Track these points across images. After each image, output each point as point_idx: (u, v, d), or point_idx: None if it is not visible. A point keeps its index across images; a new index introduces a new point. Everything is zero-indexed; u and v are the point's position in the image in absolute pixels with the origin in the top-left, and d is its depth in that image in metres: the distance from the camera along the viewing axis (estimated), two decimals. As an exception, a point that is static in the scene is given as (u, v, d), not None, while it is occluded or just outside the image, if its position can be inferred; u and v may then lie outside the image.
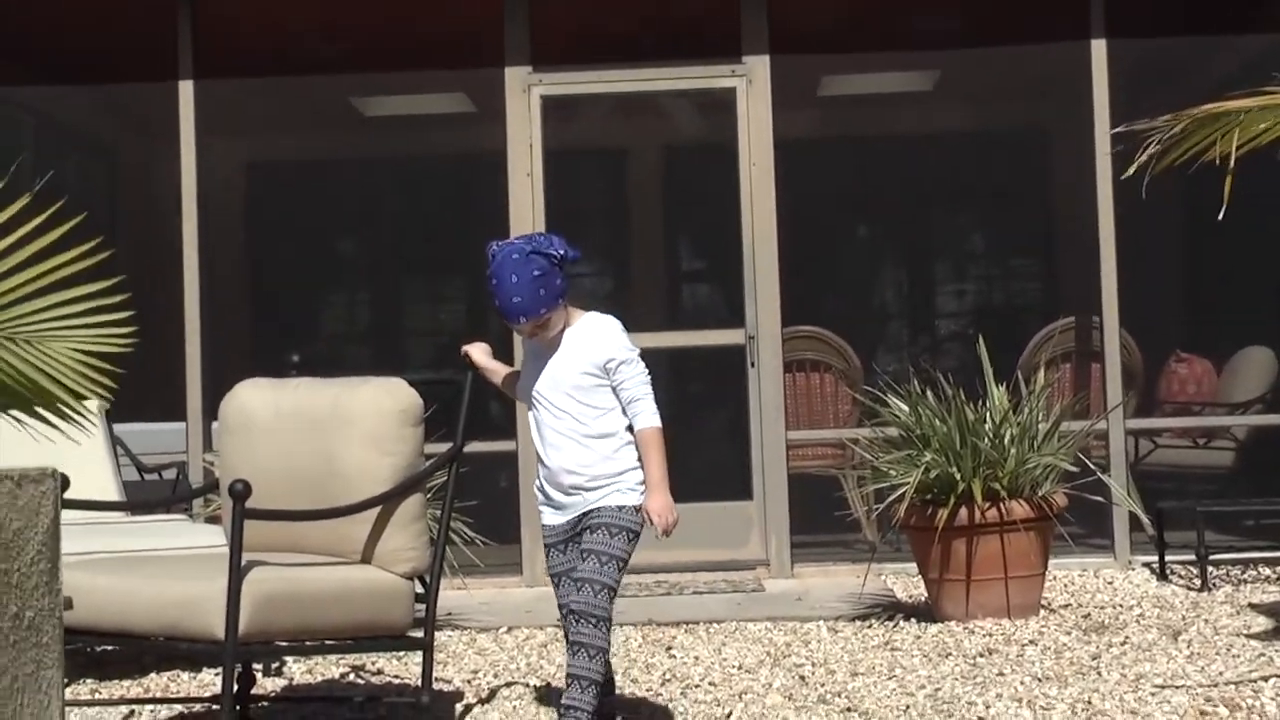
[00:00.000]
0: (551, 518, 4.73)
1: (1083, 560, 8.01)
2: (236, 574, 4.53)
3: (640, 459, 4.63)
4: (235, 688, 4.80)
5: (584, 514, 4.63)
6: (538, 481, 4.76)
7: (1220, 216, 4.65)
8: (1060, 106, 9.09)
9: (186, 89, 8.09)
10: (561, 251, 4.65)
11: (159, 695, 5.57)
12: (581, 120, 9.24)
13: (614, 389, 4.65)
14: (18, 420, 2.98)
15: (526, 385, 4.74)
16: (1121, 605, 7.02)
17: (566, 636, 4.68)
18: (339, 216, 10.54)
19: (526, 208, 8.18)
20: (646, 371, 4.70)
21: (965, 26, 9.02)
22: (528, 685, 5.71)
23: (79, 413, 3.03)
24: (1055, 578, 7.70)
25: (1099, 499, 7.16)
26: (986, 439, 6.58)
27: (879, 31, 9.08)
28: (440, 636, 6.28)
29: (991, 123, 10.81)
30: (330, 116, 10.23)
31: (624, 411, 4.64)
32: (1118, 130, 5.67)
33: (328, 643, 4.90)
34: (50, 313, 3.05)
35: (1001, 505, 6.54)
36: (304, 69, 8.90)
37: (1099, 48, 8.24)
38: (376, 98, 10.04)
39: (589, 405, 4.64)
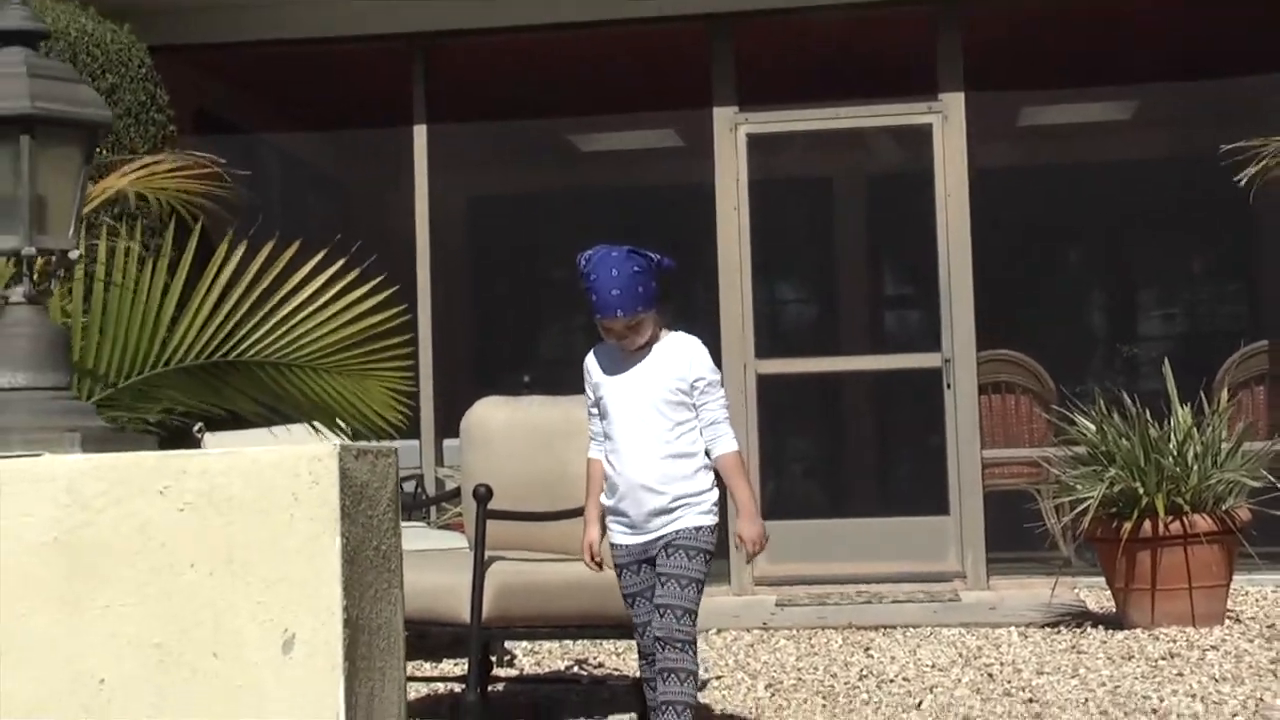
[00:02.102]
0: (625, 538, 4.69)
1: (1278, 577, 8.38)
2: (480, 566, 5.29)
3: (718, 482, 4.62)
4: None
5: (659, 536, 4.62)
6: (609, 500, 4.71)
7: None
8: (1258, 132, 9.49)
9: (420, 132, 8.98)
10: (657, 257, 4.67)
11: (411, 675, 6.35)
12: (784, 153, 9.90)
13: (696, 408, 4.63)
14: (337, 431, 3.80)
15: (609, 398, 4.70)
16: (1309, 618, 7.41)
17: (643, 656, 4.70)
18: (555, 246, 11.34)
19: (734, 239, 8.89)
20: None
21: (1159, 58, 9.48)
22: (735, 679, 6.36)
23: (386, 432, 3.83)
24: (1248, 593, 8.11)
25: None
26: (1170, 456, 7.04)
27: (1072, 66, 9.59)
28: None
29: (1188, 150, 11.21)
30: (547, 153, 11.07)
31: (701, 434, 4.63)
32: (1229, 147, 6.15)
33: (558, 629, 5.61)
34: (369, 358, 3.86)
35: (1185, 519, 6.99)
36: (524, 111, 9.75)
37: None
38: (590, 135, 10.84)
39: (674, 421, 4.63)
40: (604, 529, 4.73)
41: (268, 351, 3.71)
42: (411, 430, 9.09)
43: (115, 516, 2.37)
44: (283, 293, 3.79)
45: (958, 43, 8.83)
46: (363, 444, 2.40)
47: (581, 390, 4.86)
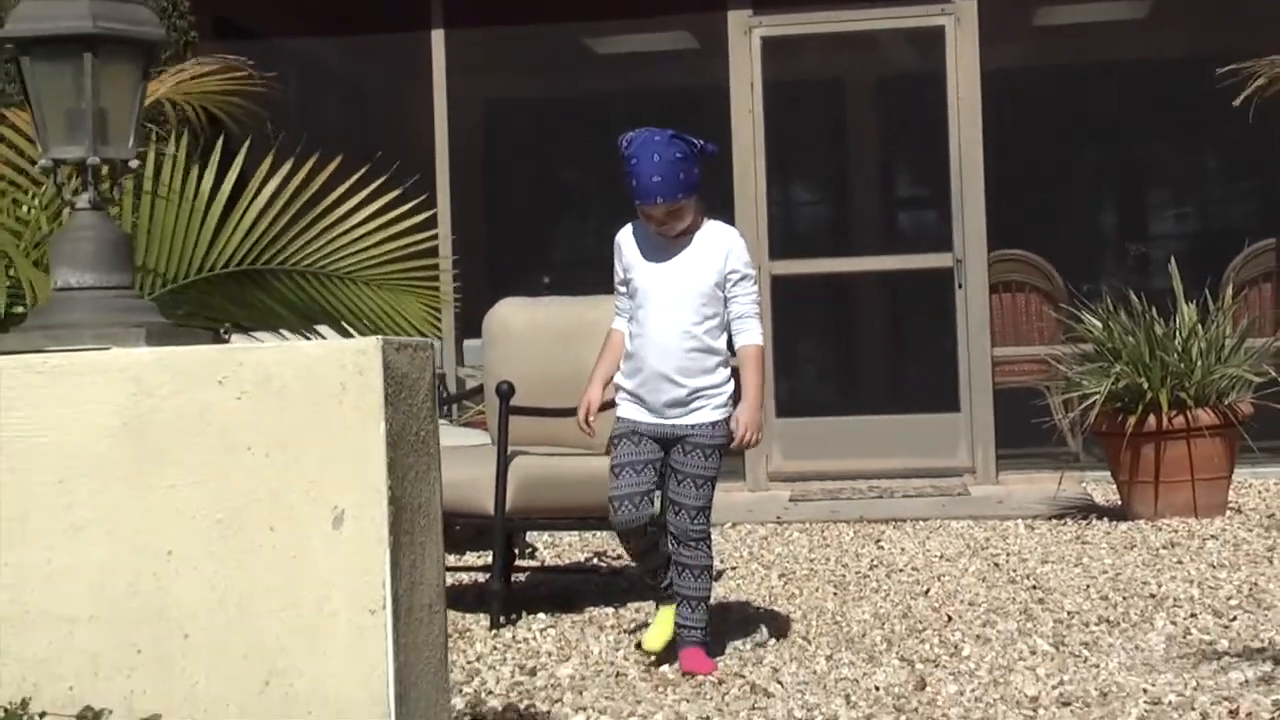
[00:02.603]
0: (637, 414, 4.70)
1: (1280, 470, 8.64)
2: (503, 459, 5.57)
3: (735, 374, 4.68)
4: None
5: (673, 425, 4.67)
6: (628, 382, 4.71)
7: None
8: (1263, 37, 9.61)
9: (438, 37, 9.16)
10: (700, 143, 4.62)
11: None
12: (799, 56, 10.05)
13: (726, 301, 4.66)
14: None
15: (641, 282, 4.68)
16: (1309, 508, 7.69)
17: (622, 536, 4.77)
18: (572, 148, 11.52)
19: (748, 142, 9.09)
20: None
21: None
22: (750, 569, 6.64)
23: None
24: (1250, 484, 8.38)
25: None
26: (1174, 352, 7.29)
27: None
28: (672, 527, 7.27)
29: (1203, 50, 11.32)
30: (563, 56, 11.23)
31: (729, 327, 4.68)
32: (1227, 68, 6.32)
33: (578, 521, 5.88)
34: (407, 275, 4.12)
35: (1188, 413, 7.25)
36: (540, 15, 9.91)
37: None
38: (606, 38, 10.99)
39: (706, 314, 4.63)
40: (610, 401, 4.75)
41: (310, 261, 3.94)
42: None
43: (178, 404, 2.63)
44: (325, 204, 4.02)
45: (970, -58, 8.98)
46: (403, 338, 2.64)
47: (602, 282, 4.96)
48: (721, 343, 4.69)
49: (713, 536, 7.34)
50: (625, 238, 4.77)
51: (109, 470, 2.63)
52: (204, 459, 2.62)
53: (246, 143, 4.05)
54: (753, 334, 4.71)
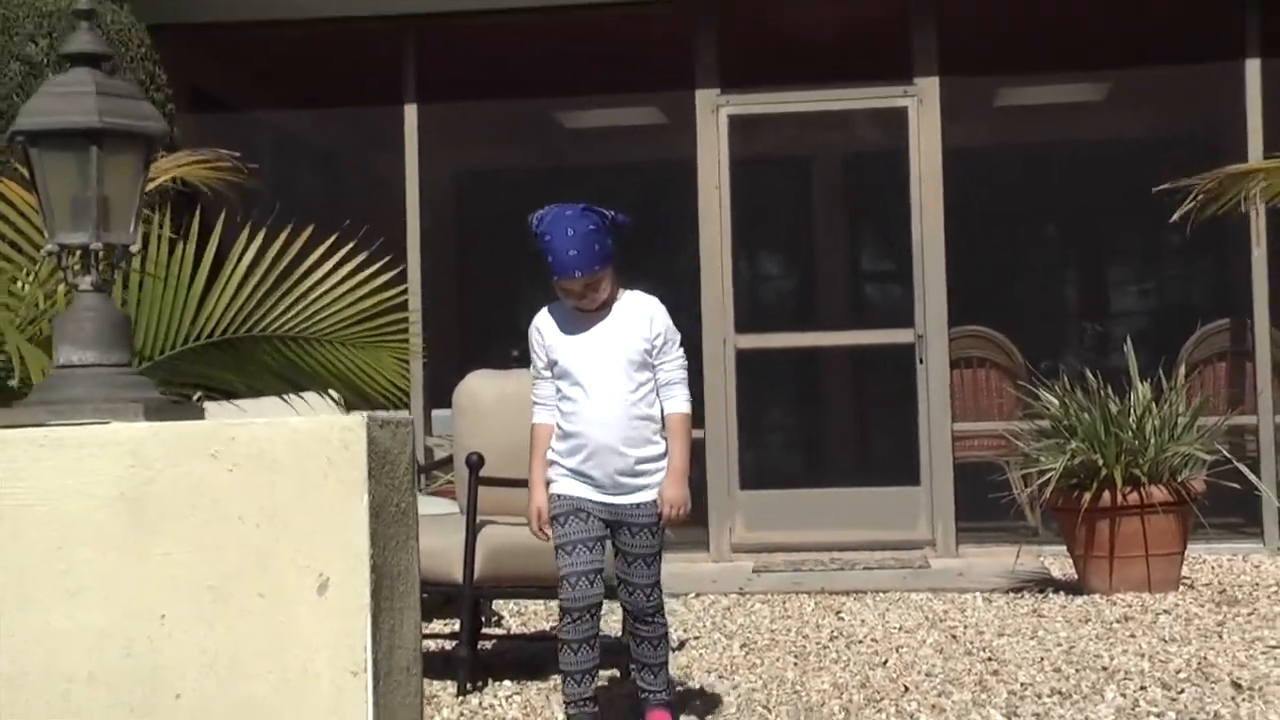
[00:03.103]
0: (583, 491, 4.68)
1: (1234, 546, 8.89)
2: (472, 529, 5.74)
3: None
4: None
5: (621, 504, 4.68)
6: (570, 462, 4.68)
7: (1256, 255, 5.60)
8: (1218, 119, 9.94)
9: (411, 110, 9.40)
10: (611, 213, 4.64)
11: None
12: (765, 132, 10.32)
13: (654, 368, 4.67)
14: (341, 400, 4.26)
15: (570, 360, 4.67)
16: (1260, 585, 7.90)
17: (565, 612, 4.67)
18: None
19: (715, 218, 9.34)
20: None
21: (1128, 44, 9.92)
22: (712, 639, 6.82)
23: (398, 399, 4.28)
24: (1205, 560, 8.62)
25: (1255, 491, 8.03)
26: (1129, 430, 7.52)
27: (1045, 49, 10.02)
28: (636, 597, 7.44)
29: (1159, 131, 11.66)
30: (533, 130, 11.49)
31: (657, 392, 4.68)
32: (1162, 188, 6.59)
33: (544, 589, 6.04)
34: (379, 332, 4.31)
35: (1142, 489, 7.47)
36: (510, 91, 10.18)
37: (1253, 66, 9.12)
38: (576, 112, 11.25)
39: (639, 380, 4.65)
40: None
41: (288, 326, 4.15)
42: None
43: (173, 476, 2.81)
44: (300, 271, 4.24)
45: (932, 28, 9.27)
46: (386, 414, 2.84)
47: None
48: (656, 410, 4.70)
49: (675, 606, 7.52)
50: (543, 321, 4.78)
51: (106, 538, 2.81)
52: (197, 528, 2.81)
53: (222, 215, 4.26)
54: (680, 400, 4.72)
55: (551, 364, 4.73)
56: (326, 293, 4.31)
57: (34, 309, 3.77)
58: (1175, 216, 6.13)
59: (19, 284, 3.93)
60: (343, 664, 2.76)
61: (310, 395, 4.38)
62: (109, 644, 2.81)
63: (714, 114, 9.41)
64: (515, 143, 11.80)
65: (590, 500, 4.69)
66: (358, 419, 2.78)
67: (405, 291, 4.59)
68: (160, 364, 3.85)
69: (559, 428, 4.72)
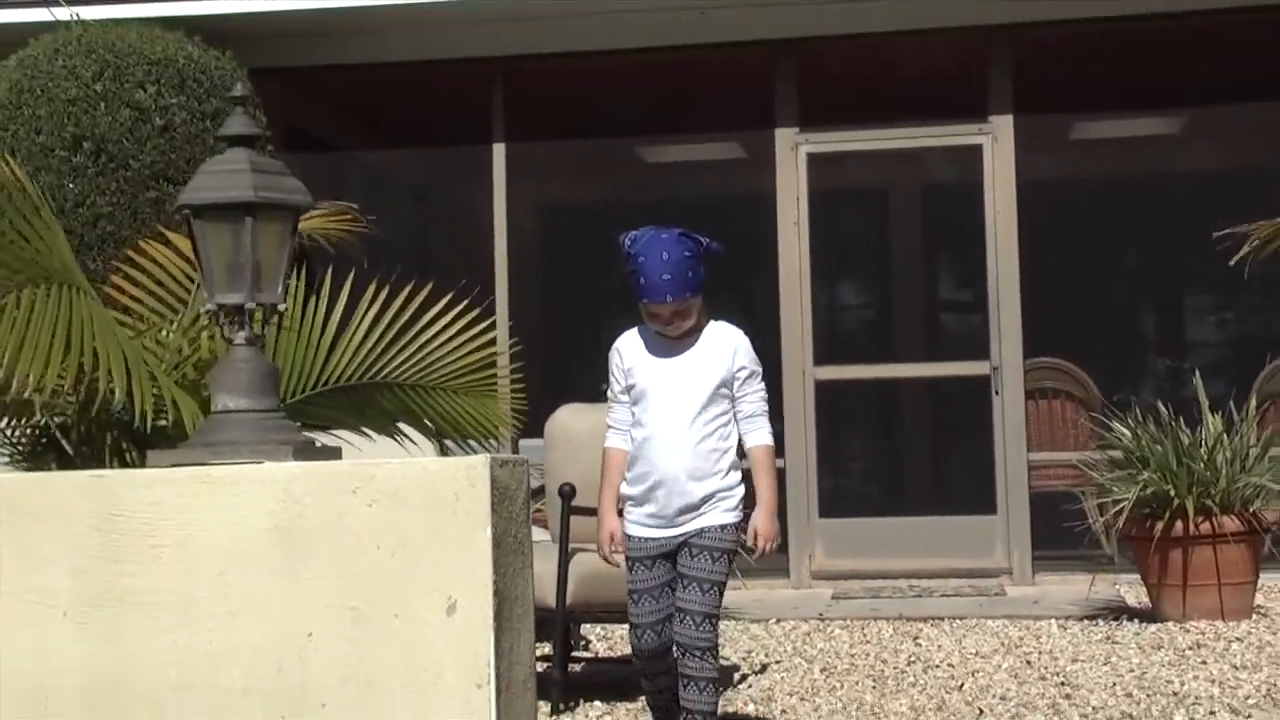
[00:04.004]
0: (647, 531, 4.69)
1: (1311, 576, 9.12)
2: (564, 556, 6.12)
3: (744, 476, 4.69)
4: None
5: (682, 533, 4.67)
6: (635, 490, 4.70)
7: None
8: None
9: (499, 149, 9.85)
10: (706, 241, 4.64)
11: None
12: (843, 167, 10.68)
13: (734, 399, 4.67)
14: (450, 444, 4.69)
15: (648, 384, 4.68)
16: (1333, 613, 8.15)
17: (638, 656, 4.74)
18: (619, 253, 12.15)
19: (794, 253, 9.71)
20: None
21: (1206, 75, 10.20)
22: (793, 663, 7.15)
23: (496, 439, 4.69)
24: (1278, 589, 8.85)
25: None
26: (1200, 461, 7.80)
27: (1119, 85, 10.33)
28: (721, 625, 7.79)
29: (1229, 165, 11.91)
30: (616, 165, 11.91)
31: (737, 424, 4.68)
32: (1221, 233, 6.89)
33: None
34: (487, 381, 4.72)
35: (1214, 519, 7.75)
36: (595, 132, 10.62)
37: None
38: (657, 147, 11.66)
39: (716, 412, 4.64)
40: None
41: (405, 374, 4.57)
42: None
43: (319, 510, 3.21)
44: (419, 326, 4.67)
45: (1007, 67, 9.61)
46: (505, 455, 3.23)
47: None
48: (732, 442, 4.69)
49: (758, 631, 7.84)
50: (625, 344, 4.79)
51: (261, 566, 3.22)
52: (340, 557, 3.21)
53: (352, 275, 4.68)
54: (762, 433, 4.71)
55: (629, 387, 4.75)
56: (442, 345, 4.70)
57: (178, 355, 4.19)
58: (1234, 261, 6.44)
59: (163, 331, 4.36)
60: (469, 678, 3.15)
61: (411, 433, 4.80)
62: (263, 659, 3.21)
63: (793, 151, 9.79)
64: (598, 178, 12.22)
65: (653, 539, 4.70)
66: (482, 460, 3.17)
67: (513, 346, 4.96)
68: (291, 407, 4.25)
69: (632, 456, 4.73)
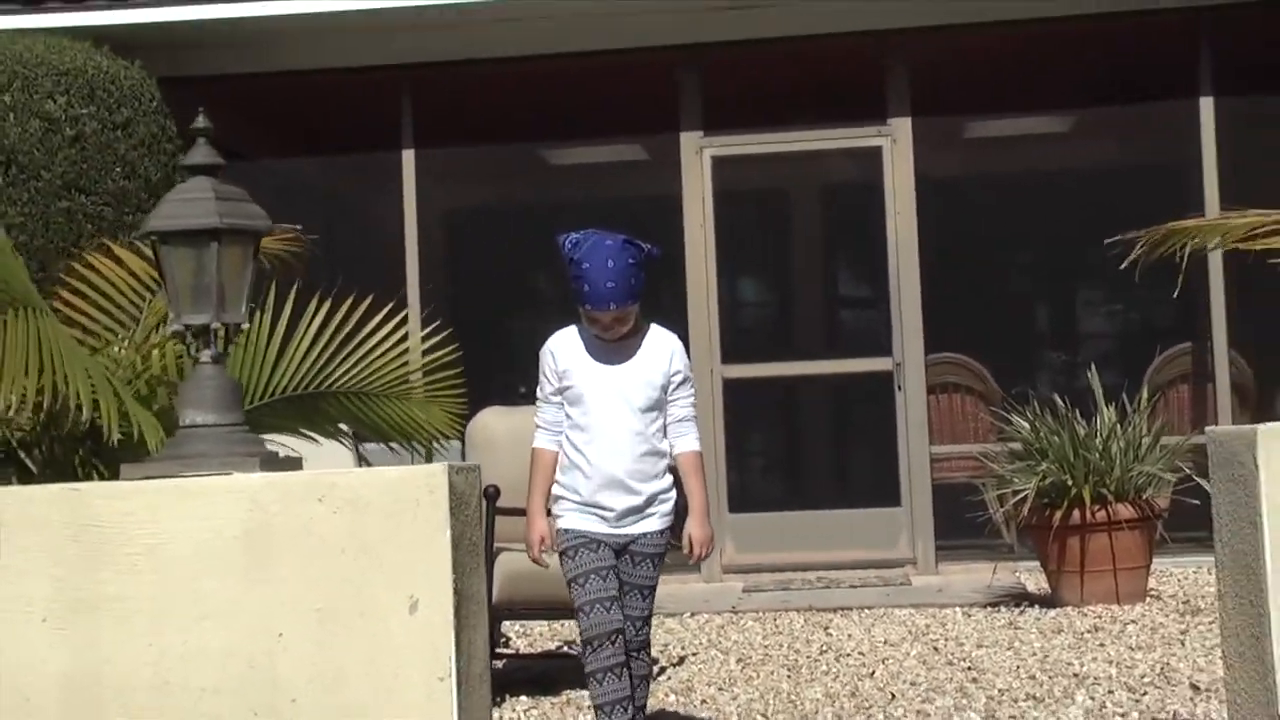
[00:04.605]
0: (591, 525, 4.76)
1: (1197, 559, 9.54)
2: (489, 556, 6.36)
3: (677, 482, 4.80)
4: (488, 645, 6.62)
5: (626, 534, 4.77)
6: (580, 494, 4.75)
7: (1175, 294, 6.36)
8: (1179, 149, 10.65)
9: (409, 156, 10.07)
10: (648, 247, 4.69)
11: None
12: (747, 171, 10.99)
13: (666, 405, 4.75)
14: (393, 447, 4.92)
15: (586, 388, 4.72)
16: (1221, 595, 8.58)
17: (587, 642, 4.73)
18: (529, 255, 12.42)
19: (700, 255, 10.01)
20: None
21: (1092, 78, 10.64)
22: (709, 655, 7.46)
23: (439, 444, 4.92)
24: (1170, 573, 9.30)
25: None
26: (1096, 451, 8.19)
27: (1011, 88, 10.73)
28: (636, 617, 8.10)
29: (1119, 162, 12.38)
30: (521, 169, 12.16)
31: (666, 429, 4.77)
32: (1111, 240, 7.30)
33: (554, 612, 6.68)
34: (429, 387, 4.96)
35: (1109, 508, 8.15)
36: (502, 136, 10.87)
37: (1207, 104, 9.85)
38: (563, 149, 11.93)
39: (653, 416, 4.73)
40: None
41: (350, 383, 4.81)
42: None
43: (286, 517, 3.45)
44: (360, 337, 4.90)
45: (904, 71, 9.97)
46: (460, 463, 3.49)
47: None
48: (665, 445, 4.79)
49: (673, 625, 8.12)
50: (559, 345, 4.81)
51: (231, 571, 3.45)
52: (306, 561, 3.44)
53: (295, 286, 4.90)
54: (692, 439, 4.81)
55: (563, 389, 4.77)
56: (385, 353, 4.94)
57: (130, 371, 4.40)
58: (1124, 264, 6.82)
59: (114, 348, 4.56)
60: (432, 671, 3.40)
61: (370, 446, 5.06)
62: (234, 659, 3.45)
63: (698, 155, 10.10)
64: (505, 182, 12.45)
65: (599, 532, 4.77)
66: (441, 467, 3.43)
67: (455, 350, 5.20)
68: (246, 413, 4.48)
69: (566, 457, 4.78)
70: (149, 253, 4.81)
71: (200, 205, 3.61)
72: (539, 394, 4.85)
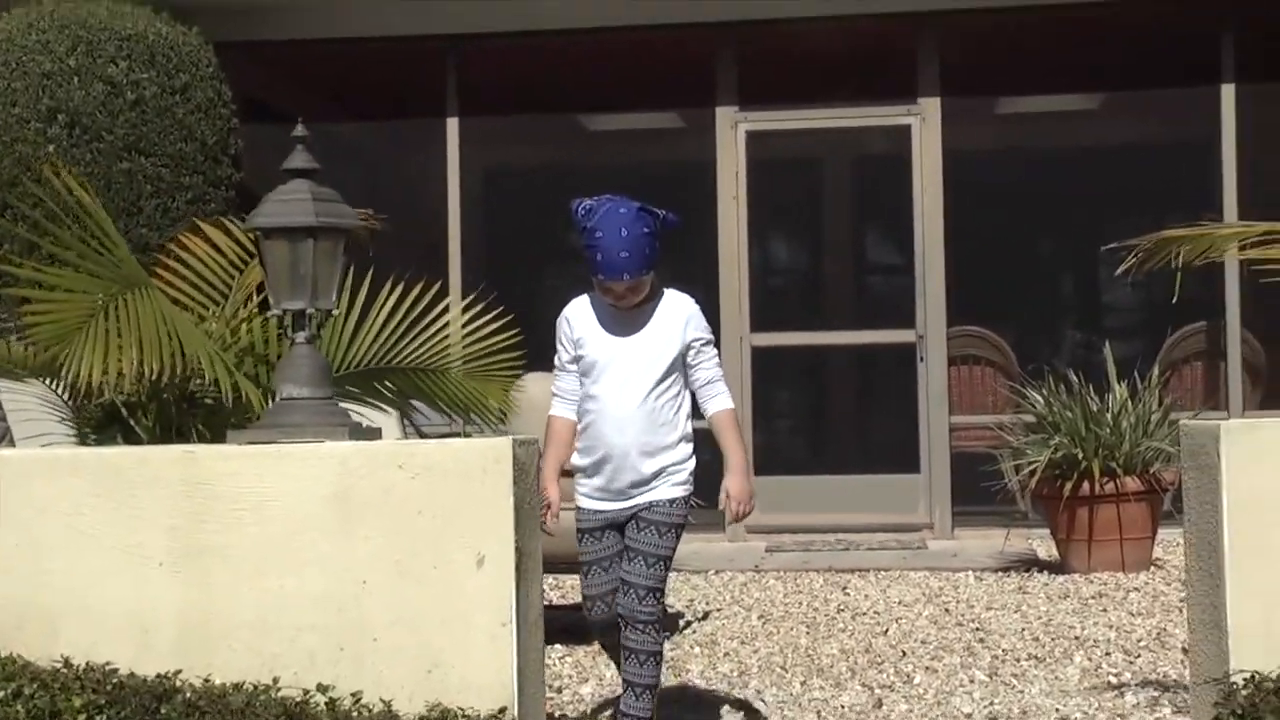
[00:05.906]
0: (595, 503, 4.77)
1: (1205, 531, 10.09)
2: (531, 513, 6.95)
3: (695, 446, 4.76)
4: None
5: (632, 504, 4.74)
6: (585, 462, 4.77)
7: (1174, 300, 6.86)
8: (1201, 131, 11.16)
9: (454, 124, 10.65)
10: (663, 214, 4.64)
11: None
12: (780, 145, 11.54)
13: (687, 371, 4.71)
14: (454, 415, 5.53)
15: (598, 357, 4.70)
16: (1224, 566, 9.14)
17: (593, 627, 4.88)
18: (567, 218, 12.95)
19: (732, 227, 10.59)
20: None
21: (1119, 62, 11.14)
22: (732, 611, 8.04)
23: (498, 419, 5.52)
24: (1176, 544, 9.83)
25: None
26: (1106, 426, 8.75)
27: (1042, 67, 11.24)
28: (663, 573, 8.69)
29: (1146, 140, 12.88)
30: (560, 133, 12.72)
31: (693, 396, 4.74)
32: (1109, 247, 7.82)
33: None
34: (490, 366, 5.54)
35: (1117, 480, 8.71)
36: (542, 107, 11.44)
37: (1228, 90, 10.37)
38: (601, 115, 12.48)
39: (666, 386, 4.67)
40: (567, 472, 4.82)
41: (418, 360, 5.42)
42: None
43: (370, 481, 4.06)
44: (430, 318, 5.50)
45: (935, 51, 10.50)
46: (522, 436, 4.10)
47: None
48: (682, 416, 4.73)
49: (698, 581, 8.66)
50: (574, 312, 4.80)
51: (323, 526, 4.07)
52: (388, 519, 4.06)
53: (371, 269, 5.49)
54: (723, 398, 4.76)
55: (578, 358, 4.77)
56: (443, 335, 5.53)
57: (221, 343, 4.99)
58: (1119, 272, 7.34)
59: (208, 322, 5.16)
60: (495, 618, 4.02)
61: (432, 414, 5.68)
62: (325, 602, 4.07)
63: (733, 129, 10.66)
64: (544, 146, 13.00)
65: (603, 511, 4.79)
66: (506, 440, 4.03)
67: (516, 335, 5.75)
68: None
69: (582, 422, 4.78)
70: (237, 232, 5.45)
71: (299, 205, 4.21)
72: (556, 362, 4.87)
